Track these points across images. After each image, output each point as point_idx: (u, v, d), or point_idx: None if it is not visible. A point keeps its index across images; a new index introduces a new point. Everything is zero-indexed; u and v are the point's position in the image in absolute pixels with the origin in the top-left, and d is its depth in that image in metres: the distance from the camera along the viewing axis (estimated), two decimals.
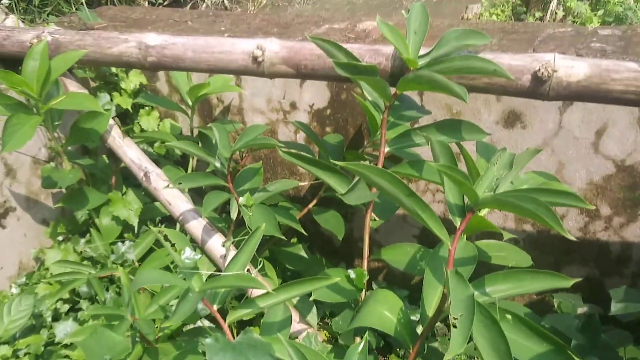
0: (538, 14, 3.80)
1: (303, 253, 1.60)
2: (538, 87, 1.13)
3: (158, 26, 2.00)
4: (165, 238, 1.47)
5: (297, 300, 1.40)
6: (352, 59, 1.19)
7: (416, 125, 1.58)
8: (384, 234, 1.84)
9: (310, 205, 1.54)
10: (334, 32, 1.80)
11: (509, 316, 0.82)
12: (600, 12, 3.52)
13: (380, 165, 1.22)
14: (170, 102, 1.76)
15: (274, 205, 1.68)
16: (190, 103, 1.67)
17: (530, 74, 1.13)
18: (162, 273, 0.95)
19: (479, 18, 4.11)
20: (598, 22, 3.45)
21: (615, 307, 0.93)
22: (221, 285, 0.93)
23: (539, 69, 1.12)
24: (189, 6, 7.22)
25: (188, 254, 0.92)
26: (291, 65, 1.34)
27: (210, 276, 0.98)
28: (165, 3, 4.64)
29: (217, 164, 1.38)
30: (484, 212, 1.23)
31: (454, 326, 0.75)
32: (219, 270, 1.39)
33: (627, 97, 1.08)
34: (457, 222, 0.89)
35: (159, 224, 1.87)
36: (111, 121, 1.59)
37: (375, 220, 1.31)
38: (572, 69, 1.11)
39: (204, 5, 7.75)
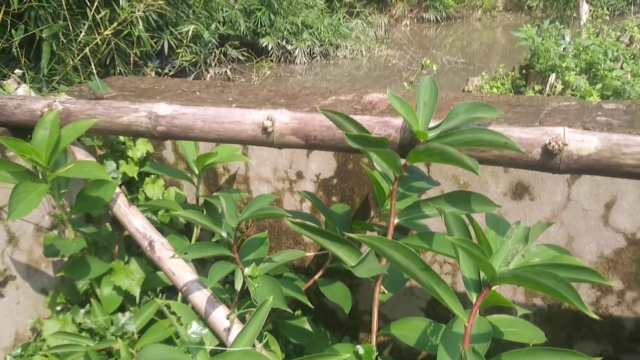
0: (537, 87, 3.89)
1: (308, 326, 1.56)
2: (549, 160, 1.13)
3: (166, 96, 2.03)
4: (169, 309, 1.43)
5: None
6: (362, 131, 1.19)
7: (423, 197, 1.58)
8: (389, 307, 1.79)
9: (317, 277, 1.51)
10: (341, 104, 1.83)
11: None
12: (599, 86, 3.61)
13: (390, 237, 1.21)
14: (177, 171, 1.77)
15: (279, 276, 1.65)
16: (197, 172, 1.67)
17: (540, 147, 1.14)
18: (167, 348, 0.92)
19: (480, 90, 4.20)
20: (597, 95, 3.53)
21: None
22: None
23: (550, 142, 1.12)
24: (192, 76, 7.43)
25: (195, 329, 0.89)
26: (300, 136, 1.35)
27: (215, 351, 0.94)
28: (171, 73, 4.75)
29: (224, 234, 1.37)
30: (495, 287, 1.20)
31: None
32: (222, 344, 1.35)
33: (638, 171, 1.08)
34: (473, 297, 0.87)
35: (160, 294, 1.83)
36: (117, 189, 1.58)
37: (384, 293, 1.28)
38: (582, 142, 1.12)
39: (209, 75, 7.97)
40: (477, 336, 0.99)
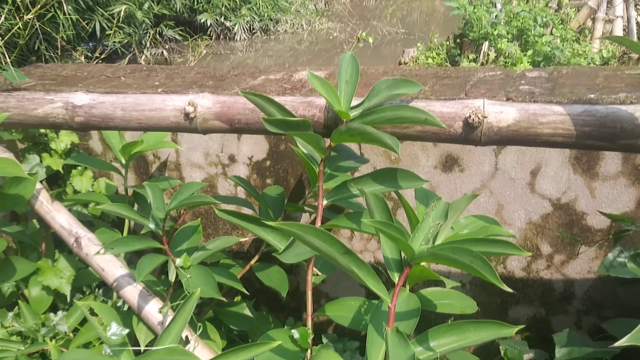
0: (472, 56, 3.93)
1: (247, 312, 1.54)
2: (470, 134, 1.14)
3: (90, 83, 1.94)
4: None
5: None
6: (285, 113, 1.17)
7: (356, 174, 1.57)
8: (330, 285, 1.80)
9: (253, 262, 1.50)
10: (270, 83, 1.79)
11: None
12: (530, 52, 3.68)
13: (319, 219, 1.20)
14: (102, 162, 1.70)
15: (215, 263, 1.62)
16: (123, 161, 1.61)
17: (461, 121, 1.14)
18: (88, 353, 0.88)
19: (416, 61, 4.22)
20: (528, 62, 3.60)
21: (559, 353, 0.92)
22: None
23: (470, 115, 1.13)
24: (127, 59, 7.18)
25: (114, 330, 0.86)
26: (224, 120, 1.32)
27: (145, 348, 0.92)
28: (102, 56, 4.57)
29: (152, 225, 1.33)
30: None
31: None
32: (157, 338, 1.31)
33: (555, 140, 1.10)
34: (395, 277, 0.87)
35: (96, 289, 1.78)
36: (38, 185, 1.51)
37: (317, 275, 1.28)
38: (501, 114, 1.13)
39: (144, 57, 7.72)
40: (406, 313, 0.99)
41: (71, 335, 1.50)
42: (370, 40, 3.56)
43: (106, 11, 6.94)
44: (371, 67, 1.89)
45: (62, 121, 1.42)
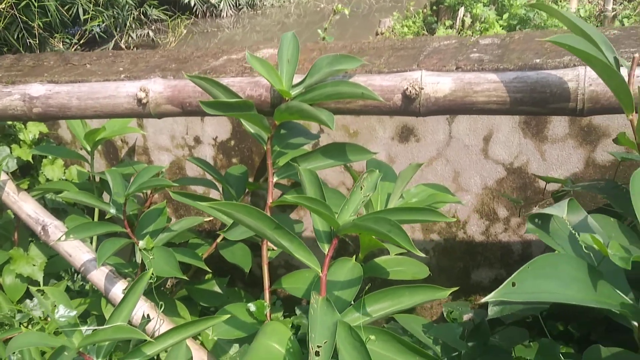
0: (448, 23, 3.92)
1: (217, 288, 1.59)
2: (409, 105, 1.17)
3: (55, 72, 1.96)
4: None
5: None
6: (230, 94, 1.20)
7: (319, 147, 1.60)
8: None
9: (218, 240, 1.54)
10: (231, 63, 1.81)
11: (372, 337, 0.84)
12: (506, 16, 3.66)
13: (269, 196, 1.23)
14: (68, 151, 1.73)
15: (184, 243, 1.66)
16: (88, 149, 1.64)
17: (400, 93, 1.17)
18: (38, 334, 0.93)
19: (392, 31, 4.21)
20: (502, 25, 3.59)
21: (492, 311, 0.96)
22: (99, 340, 0.91)
23: (407, 88, 1.15)
24: (113, 42, 7.14)
25: (62, 312, 0.91)
26: (176, 104, 1.34)
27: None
28: (82, 42, 4.56)
29: (112, 210, 1.37)
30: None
31: (317, 354, 0.76)
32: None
33: (490, 107, 1.13)
34: (325, 248, 0.91)
35: (75, 274, 1.83)
36: (4, 176, 1.54)
37: (273, 250, 1.32)
38: (438, 84, 1.15)
39: (129, 39, 7.67)
40: (348, 282, 1.04)
41: (49, 319, 1.55)
42: (347, 12, 3.55)
43: None
44: (331, 42, 1.91)
45: (21, 113, 1.45)
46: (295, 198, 0.86)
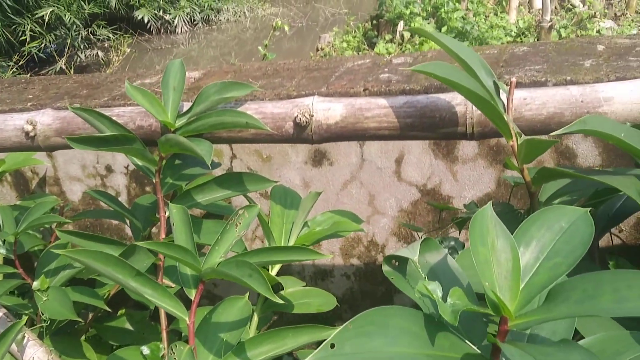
0: (388, 37, 3.92)
1: (128, 326, 1.52)
2: (301, 133, 1.12)
3: None
4: None
5: None
6: (116, 127, 1.13)
7: None
8: (223, 288, 1.78)
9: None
10: (145, 87, 1.75)
11: None
12: (444, 29, 3.67)
13: (163, 231, 1.17)
14: None
15: (93, 279, 1.58)
16: None
17: (292, 121, 1.12)
18: None
19: (332, 46, 4.19)
20: None
21: None
22: None
23: (297, 116, 1.11)
24: (62, 62, 6.99)
25: None
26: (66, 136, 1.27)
27: None
28: (20, 63, 4.42)
29: (2, 251, 1.29)
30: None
31: None
32: None
33: (382, 133, 1.09)
34: (192, 294, 0.85)
35: None
36: None
37: (171, 287, 1.26)
38: (329, 111, 1.11)
39: (77, 59, 7.51)
40: (237, 322, 0.98)
41: None
42: (287, 29, 3.53)
43: (33, 15, 6.73)
44: (247, 64, 1.87)
45: None
46: (149, 245, 0.80)
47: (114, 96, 1.69)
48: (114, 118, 1.16)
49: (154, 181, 1.17)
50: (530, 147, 0.83)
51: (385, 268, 0.67)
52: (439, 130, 1.06)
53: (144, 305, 1.67)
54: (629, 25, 3.70)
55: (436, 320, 0.57)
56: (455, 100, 1.04)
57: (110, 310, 1.34)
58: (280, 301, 0.78)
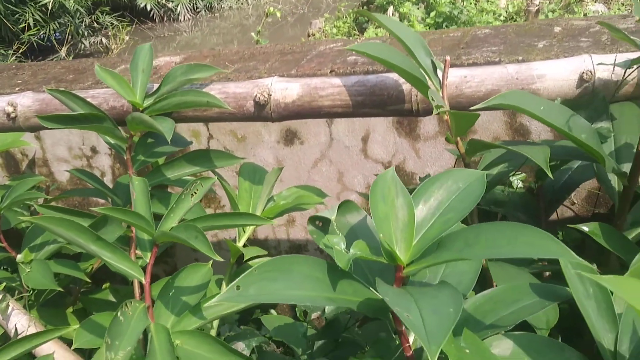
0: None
1: (112, 298, 1.60)
2: (261, 112, 1.20)
3: None
4: None
5: None
6: (89, 107, 1.21)
7: None
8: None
9: None
10: (127, 72, 1.82)
11: (178, 341, 0.87)
12: (433, 14, 3.72)
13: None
14: None
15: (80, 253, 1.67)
16: None
17: (252, 100, 1.20)
18: None
19: (323, 32, 4.24)
20: (429, 24, 3.65)
21: (328, 313, 1.00)
22: None
23: (257, 95, 1.18)
24: (64, 49, 7.08)
25: None
26: None
27: None
28: (22, 50, 4.51)
29: None
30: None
31: None
32: (6, 332, 1.37)
33: (336, 111, 1.16)
34: (147, 256, 0.93)
35: None
36: None
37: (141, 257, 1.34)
38: (286, 90, 1.18)
39: (82, 46, 7.60)
40: (198, 287, 1.06)
41: None
42: (278, 15, 3.57)
43: (36, 4, 6.81)
44: (226, 48, 1.94)
45: None
46: (106, 210, 0.88)
47: (97, 80, 1.77)
48: (88, 99, 1.24)
49: (125, 158, 1.24)
50: (457, 120, 0.90)
51: (310, 228, 0.75)
52: (387, 107, 1.12)
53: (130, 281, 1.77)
54: (619, 8, 3.73)
55: (339, 268, 0.64)
56: (401, 79, 1.11)
57: (90, 281, 1.43)
58: (220, 259, 0.85)
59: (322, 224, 0.76)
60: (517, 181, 1.35)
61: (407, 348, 0.66)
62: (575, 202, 1.43)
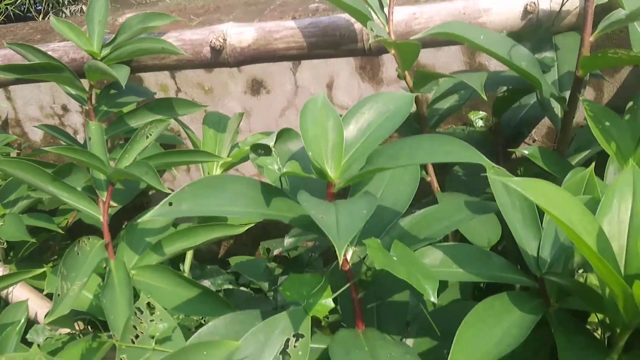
0: None
1: None
2: (218, 57, 1.21)
3: None
4: None
5: None
6: (48, 59, 1.22)
7: None
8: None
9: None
10: None
11: (134, 272, 0.91)
12: None
13: None
14: None
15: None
16: None
17: (208, 46, 1.21)
18: None
19: None
20: None
21: (287, 242, 1.03)
22: None
23: (212, 40, 1.19)
24: (45, 17, 6.96)
25: None
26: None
27: None
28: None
29: None
30: None
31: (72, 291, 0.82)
32: None
33: (291, 53, 1.18)
34: (104, 195, 0.96)
35: None
36: None
37: (114, 206, 1.37)
38: (241, 35, 1.20)
39: (62, 15, 7.47)
40: (160, 229, 1.10)
41: None
42: None
43: None
44: (192, 2, 1.94)
45: None
46: (55, 149, 0.91)
47: (63, 39, 1.77)
48: (49, 52, 1.26)
49: (87, 108, 1.26)
50: (401, 52, 0.92)
51: (252, 156, 0.78)
52: (340, 47, 1.14)
53: None
54: None
55: (273, 187, 0.68)
56: (354, 19, 1.12)
57: (66, 234, 1.46)
58: (168, 191, 0.89)
59: (264, 151, 0.79)
60: (477, 120, 1.38)
61: (344, 262, 0.69)
62: (536, 139, 1.46)
